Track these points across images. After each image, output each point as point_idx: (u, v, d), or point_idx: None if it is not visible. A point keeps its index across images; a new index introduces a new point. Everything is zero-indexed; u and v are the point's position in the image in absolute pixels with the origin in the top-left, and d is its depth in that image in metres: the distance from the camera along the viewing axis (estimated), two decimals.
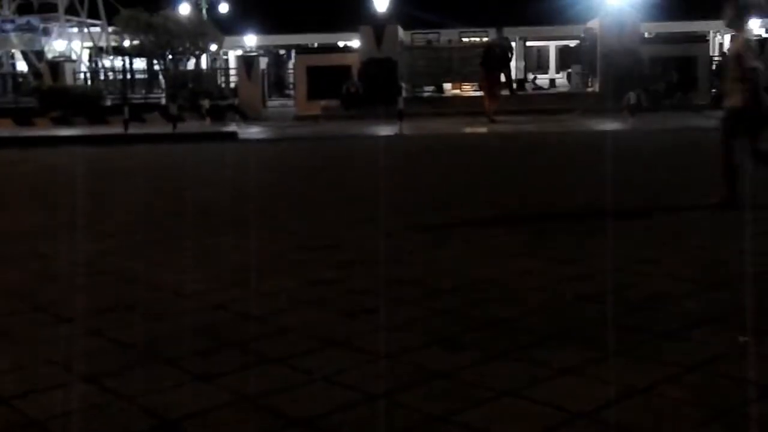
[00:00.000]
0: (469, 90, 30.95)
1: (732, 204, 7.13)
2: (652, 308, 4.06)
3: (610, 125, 18.99)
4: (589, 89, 27.76)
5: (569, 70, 34.41)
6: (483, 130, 19.68)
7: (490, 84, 22.98)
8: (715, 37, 48.23)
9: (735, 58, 7.43)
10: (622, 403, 2.89)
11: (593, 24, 28.28)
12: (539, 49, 56.23)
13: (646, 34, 31.27)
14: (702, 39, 32.48)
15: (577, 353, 3.40)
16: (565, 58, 46.02)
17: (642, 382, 3.05)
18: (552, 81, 43.66)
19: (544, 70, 53.10)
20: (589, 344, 3.53)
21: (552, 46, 55.21)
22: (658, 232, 6.19)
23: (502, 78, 23.59)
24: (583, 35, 30.64)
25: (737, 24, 7.63)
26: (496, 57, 23.84)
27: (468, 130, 19.65)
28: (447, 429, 2.72)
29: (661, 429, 2.70)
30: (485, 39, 30.10)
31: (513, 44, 28.45)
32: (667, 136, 16.31)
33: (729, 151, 7.50)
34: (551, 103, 25.89)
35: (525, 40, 49.37)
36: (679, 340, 3.55)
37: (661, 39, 32.58)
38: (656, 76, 24.78)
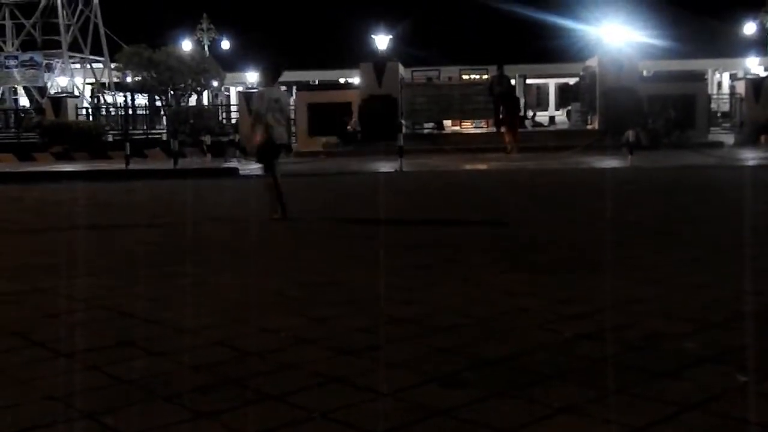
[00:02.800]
0: (469, 127, 31.16)
1: (285, 217, 9.99)
2: (650, 347, 4.06)
3: (609, 163, 19.10)
4: (589, 127, 27.95)
5: (569, 108, 34.67)
6: (483, 166, 19.79)
7: (504, 118, 23.63)
8: (713, 75, 48.59)
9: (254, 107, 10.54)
10: None
11: (592, 62, 28.57)
12: (539, 86, 56.69)
13: (645, 73, 31.59)
14: (700, 78, 32.77)
15: (576, 392, 3.40)
16: (565, 95, 46.37)
17: (640, 420, 3.06)
18: (551, 118, 43.99)
19: (544, 107, 53.49)
20: (587, 383, 3.53)
21: (551, 83, 55.68)
22: (654, 270, 6.19)
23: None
24: (582, 73, 30.91)
25: (268, 82, 10.38)
26: (498, 92, 24.23)
27: (468, 166, 19.76)
28: None
29: None
30: (485, 76, 30.38)
31: (513, 81, 28.71)
32: (665, 174, 16.40)
33: (274, 179, 10.18)
34: (551, 140, 26.06)
35: (525, 78, 49.76)
36: (677, 379, 3.56)
37: (659, 77, 32.89)
38: (655, 114, 24.96)
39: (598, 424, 3.07)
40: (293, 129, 31.30)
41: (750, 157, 20.51)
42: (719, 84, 50.23)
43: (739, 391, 3.41)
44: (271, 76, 10.44)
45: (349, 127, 26.11)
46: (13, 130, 34.14)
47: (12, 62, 47.43)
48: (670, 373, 3.63)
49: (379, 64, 27.61)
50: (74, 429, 3.15)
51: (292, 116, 32.67)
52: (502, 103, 24.07)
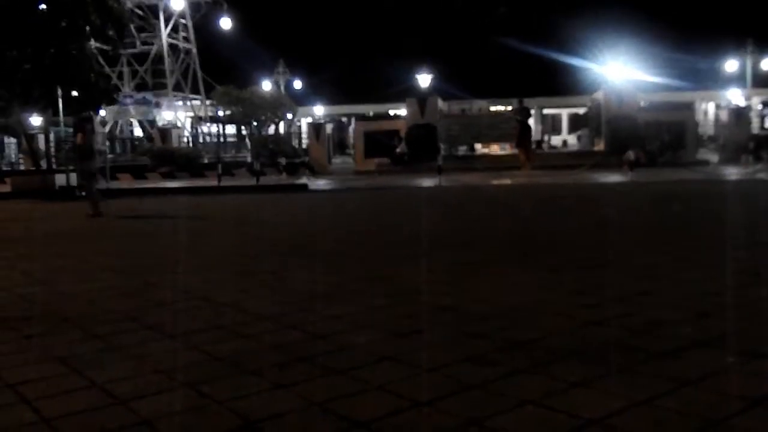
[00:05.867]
0: (496, 149, 30.96)
1: (100, 216, 12.31)
2: (651, 332, 3.96)
3: (613, 178, 18.80)
4: (595, 148, 27.56)
5: (578, 133, 34.23)
6: (507, 181, 19.61)
7: (519, 141, 23.86)
8: (700, 105, 47.60)
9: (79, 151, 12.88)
10: (626, 412, 2.81)
11: (598, 95, 28.21)
12: (553, 115, 56.04)
13: (642, 103, 31.01)
14: (689, 107, 32.11)
15: (588, 369, 3.33)
16: (575, 122, 45.71)
17: (643, 394, 2.98)
18: (564, 141, 43.48)
19: (558, 132, 52.82)
20: (597, 362, 3.45)
21: (564, 113, 55.00)
22: (653, 268, 6.05)
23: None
24: (589, 104, 30.56)
25: (88, 132, 13.01)
26: (518, 121, 24.24)
27: (495, 182, 19.60)
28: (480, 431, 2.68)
29: None
30: (509, 108, 30.18)
31: (532, 111, 28.46)
32: (660, 187, 16.07)
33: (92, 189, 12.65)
34: (564, 160, 25.74)
35: (542, 108, 49.27)
36: (675, 360, 3.46)
37: (654, 107, 32.27)
38: (651, 137, 24.54)
39: (607, 396, 2.99)
40: (352, 152, 31.43)
41: (732, 172, 20.01)
42: (705, 112, 49.11)
43: (729, 370, 3.30)
44: (86, 132, 13.04)
45: (397, 150, 26.11)
46: (129, 154, 34.84)
47: (128, 100, 48.47)
48: (669, 354, 3.53)
49: (421, 99, 27.65)
50: (176, 396, 3.17)
51: (351, 142, 32.84)
52: (519, 130, 24.25)
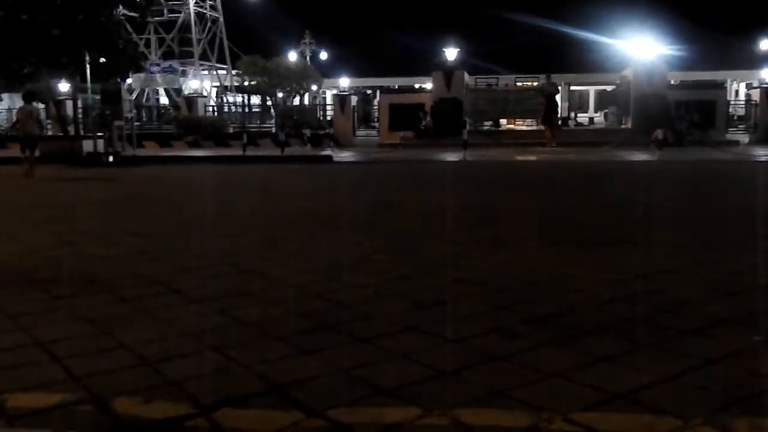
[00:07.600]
0: (522, 125, 30.63)
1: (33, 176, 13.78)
2: (677, 309, 3.93)
3: (640, 157, 18.55)
4: (623, 126, 27.16)
5: (606, 111, 33.72)
6: (532, 157, 19.44)
7: (545, 117, 23.53)
8: (731, 84, 46.68)
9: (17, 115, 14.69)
10: (652, 387, 2.80)
11: (627, 72, 27.71)
12: (580, 92, 55.23)
13: (672, 81, 30.39)
14: (720, 86, 31.47)
15: (614, 345, 3.31)
16: (603, 100, 45.01)
17: (669, 370, 2.96)
18: (591, 119, 42.92)
19: (585, 110, 52.11)
20: (623, 338, 3.43)
21: (591, 90, 54.16)
22: (679, 246, 5.98)
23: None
24: (618, 81, 30.04)
25: (28, 102, 15.19)
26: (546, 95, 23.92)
27: (519, 157, 19.44)
28: (506, 402, 2.68)
29: (686, 411, 2.60)
30: (536, 83, 29.82)
31: (559, 88, 28.08)
32: (689, 167, 15.85)
33: (31, 155, 14.35)
34: (590, 137, 25.42)
35: (569, 85, 48.64)
36: (701, 337, 3.43)
37: (684, 85, 31.63)
38: (680, 116, 24.13)
39: (633, 371, 2.97)
40: (376, 125, 31.25)
41: (762, 153, 19.65)
42: (736, 92, 48.15)
43: (755, 349, 3.27)
44: (28, 100, 15.13)
45: (422, 124, 25.95)
46: (155, 122, 34.99)
47: (155, 68, 48.68)
48: (695, 332, 3.51)
49: (448, 72, 27.33)
50: (203, 359, 3.21)
51: (376, 115, 32.66)
52: (546, 106, 23.86)
